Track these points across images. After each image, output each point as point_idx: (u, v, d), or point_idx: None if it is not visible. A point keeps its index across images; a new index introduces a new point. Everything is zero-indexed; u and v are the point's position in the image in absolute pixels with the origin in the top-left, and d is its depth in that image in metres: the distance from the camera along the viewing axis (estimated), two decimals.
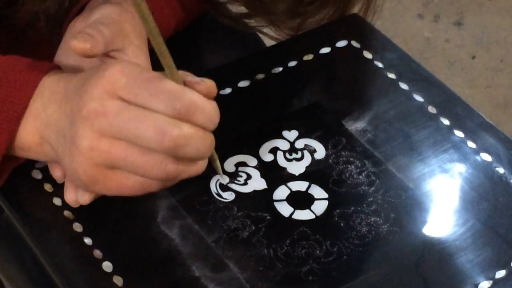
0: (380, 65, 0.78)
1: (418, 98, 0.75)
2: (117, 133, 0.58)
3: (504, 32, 1.85)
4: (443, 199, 0.68)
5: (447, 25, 1.86)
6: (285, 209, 0.66)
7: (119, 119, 0.58)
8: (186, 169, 0.60)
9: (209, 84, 0.60)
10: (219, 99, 0.61)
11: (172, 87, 0.58)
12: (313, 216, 0.66)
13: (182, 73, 0.60)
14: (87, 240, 0.64)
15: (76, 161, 0.59)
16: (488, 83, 1.75)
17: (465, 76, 1.76)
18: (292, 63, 0.77)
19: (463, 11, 1.88)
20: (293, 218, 0.66)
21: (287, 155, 0.70)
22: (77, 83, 0.61)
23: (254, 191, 0.67)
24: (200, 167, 0.61)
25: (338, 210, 0.66)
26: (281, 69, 0.77)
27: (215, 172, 0.67)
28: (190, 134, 0.58)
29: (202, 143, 0.59)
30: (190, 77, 0.60)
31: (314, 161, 0.70)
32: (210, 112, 0.59)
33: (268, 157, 0.70)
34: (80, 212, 0.65)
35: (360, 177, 0.69)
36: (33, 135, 0.63)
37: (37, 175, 0.67)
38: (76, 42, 0.63)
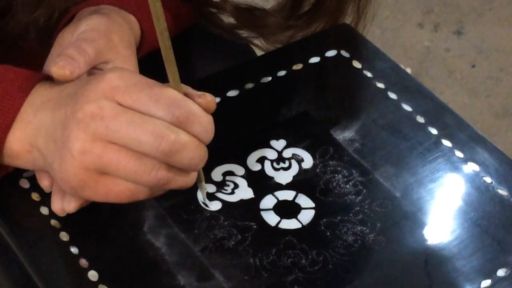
0: (369, 74, 0.78)
1: (407, 107, 0.75)
2: (112, 136, 0.58)
3: (503, 41, 1.85)
4: (430, 209, 0.68)
5: (447, 34, 1.86)
6: (271, 218, 0.67)
7: (116, 122, 0.58)
8: (176, 177, 0.60)
9: (209, 99, 0.61)
10: None
11: (172, 94, 0.59)
12: (299, 226, 0.66)
13: (183, 86, 0.61)
14: (74, 249, 0.64)
15: (66, 164, 0.59)
16: (488, 92, 1.75)
17: (464, 85, 1.76)
18: (281, 73, 0.78)
19: (463, 21, 1.89)
20: (279, 228, 0.66)
21: (275, 164, 0.70)
22: (72, 89, 0.61)
23: (241, 200, 0.68)
24: (190, 179, 0.61)
25: (324, 219, 0.67)
26: (270, 78, 0.77)
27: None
28: (186, 141, 0.58)
29: (197, 152, 0.59)
30: (191, 89, 0.61)
31: (301, 171, 0.70)
32: (206, 124, 0.60)
33: (256, 167, 0.70)
34: (67, 221, 0.65)
35: (347, 186, 0.69)
36: (22, 142, 0.63)
37: (25, 184, 0.68)
38: (55, 69, 0.63)
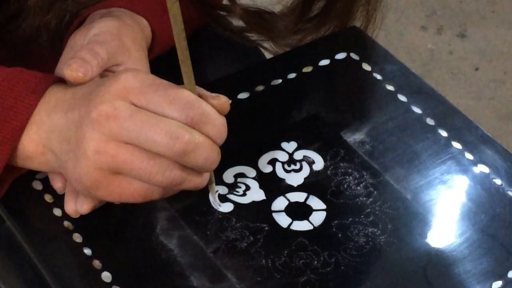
0: (379, 77, 0.78)
1: (417, 110, 0.76)
2: (127, 136, 0.58)
3: (507, 44, 1.85)
4: (440, 211, 0.68)
5: (450, 37, 1.86)
6: (283, 220, 0.67)
7: (131, 122, 0.58)
8: (190, 178, 0.60)
9: (223, 100, 0.61)
10: None
11: (186, 95, 0.59)
12: (311, 227, 0.66)
13: (197, 87, 0.61)
14: (87, 251, 0.64)
15: (80, 164, 0.60)
16: (491, 95, 1.75)
17: (468, 88, 1.76)
18: (292, 75, 0.78)
19: (467, 23, 1.89)
20: (291, 229, 0.66)
21: (286, 166, 0.71)
22: (86, 91, 0.62)
23: (253, 202, 0.68)
24: (203, 180, 0.62)
25: (336, 221, 0.67)
26: (280, 81, 0.78)
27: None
28: (200, 141, 0.59)
29: (210, 153, 0.59)
30: (205, 91, 0.61)
31: (312, 173, 0.70)
32: (220, 125, 0.60)
33: (267, 168, 0.70)
34: (80, 222, 0.65)
35: (358, 188, 0.69)
36: (35, 144, 0.63)
37: (38, 185, 0.68)
38: (68, 72, 0.63)
